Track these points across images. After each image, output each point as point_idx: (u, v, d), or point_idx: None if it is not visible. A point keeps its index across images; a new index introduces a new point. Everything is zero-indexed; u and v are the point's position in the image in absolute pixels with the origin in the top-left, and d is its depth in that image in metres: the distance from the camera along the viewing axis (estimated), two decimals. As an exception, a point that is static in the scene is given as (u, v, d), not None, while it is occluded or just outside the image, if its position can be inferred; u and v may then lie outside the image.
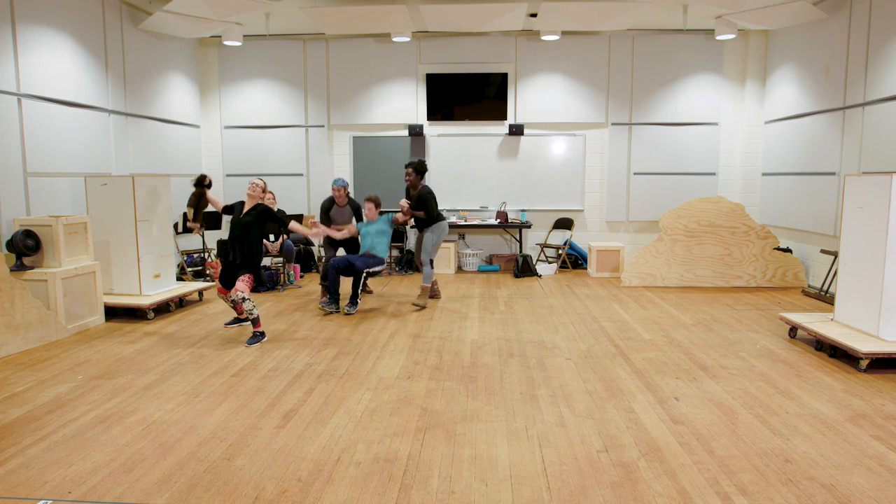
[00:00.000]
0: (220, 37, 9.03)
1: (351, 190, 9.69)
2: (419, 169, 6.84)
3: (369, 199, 6.76)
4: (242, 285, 5.29)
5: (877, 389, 4.13)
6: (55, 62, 6.40)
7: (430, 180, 9.52)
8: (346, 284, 7.45)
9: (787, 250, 7.97)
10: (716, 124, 9.16)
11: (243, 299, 5.24)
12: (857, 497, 2.76)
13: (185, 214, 7.63)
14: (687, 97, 9.15)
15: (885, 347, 4.47)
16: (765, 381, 4.29)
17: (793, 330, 5.46)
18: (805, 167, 7.86)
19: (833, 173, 7.25)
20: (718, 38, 8.18)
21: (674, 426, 3.52)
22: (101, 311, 6.03)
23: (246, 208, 5.49)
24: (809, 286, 7.74)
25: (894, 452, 3.19)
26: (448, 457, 3.15)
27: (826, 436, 3.40)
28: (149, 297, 6.31)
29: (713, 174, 9.22)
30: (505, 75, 9.25)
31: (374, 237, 6.66)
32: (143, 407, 3.83)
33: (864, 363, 4.48)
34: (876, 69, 6.51)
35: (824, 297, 7.02)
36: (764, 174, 8.98)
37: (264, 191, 5.56)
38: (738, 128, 9.20)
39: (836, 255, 6.78)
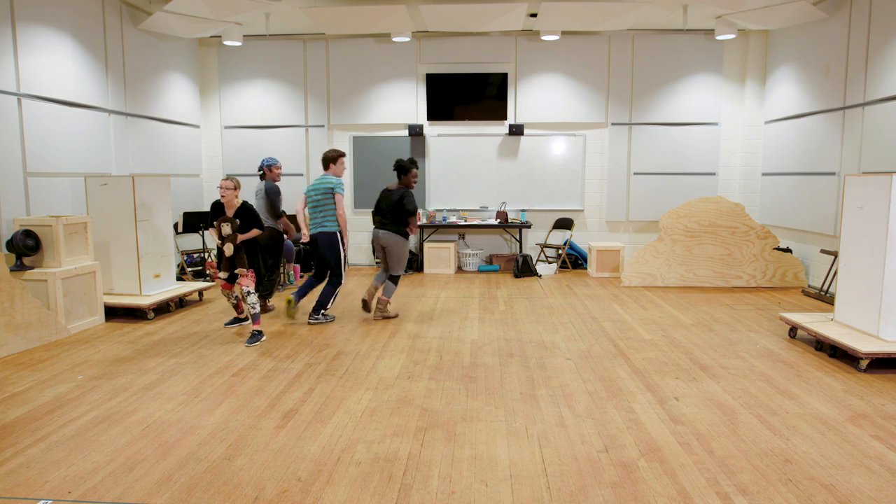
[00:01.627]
0: (220, 37, 9.04)
1: (352, 191, 9.69)
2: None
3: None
4: (247, 280, 5.34)
5: (877, 389, 4.13)
6: (55, 62, 6.39)
7: (430, 180, 9.52)
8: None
9: (787, 250, 7.97)
10: (716, 124, 9.16)
11: (248, 293, 5.29)
12: (856, 497, 2.75)
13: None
14: (687, 97, 9.15)
15: (885, 347, 4.47)
16: (765, 381, 4.29)
17: (793, 330, 5.45)
18: (805, 167, 7.86)
19: (833, 173, 7.25)
20: (718, 38, 8.18)
21: (674, 426, 3.52)
22: (101, 311, 6.03)
23: (229, 212, 5.47)
24: (809, 286, 7.74)
25: (894, 452, 3.19)
26: (448, 457, 3.15)
27: (826, 436, 3.40)
28: (149, 297, 6.30)
29: (713, 174, 9.22)
30: (505, 75, 9.25)
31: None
32: (143, 407, 3.83)
33: (864, 363, 4.48)
34: (876, 69, 6.51)
35: (824, 297, 7.02)
36: (764, 174, 8.98)
37: (236, 188, 5.47)
38: (738, 128, 9.20)
39: (836, 255, 6.78)
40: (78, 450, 3.23)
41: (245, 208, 5.49)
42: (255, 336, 5.31)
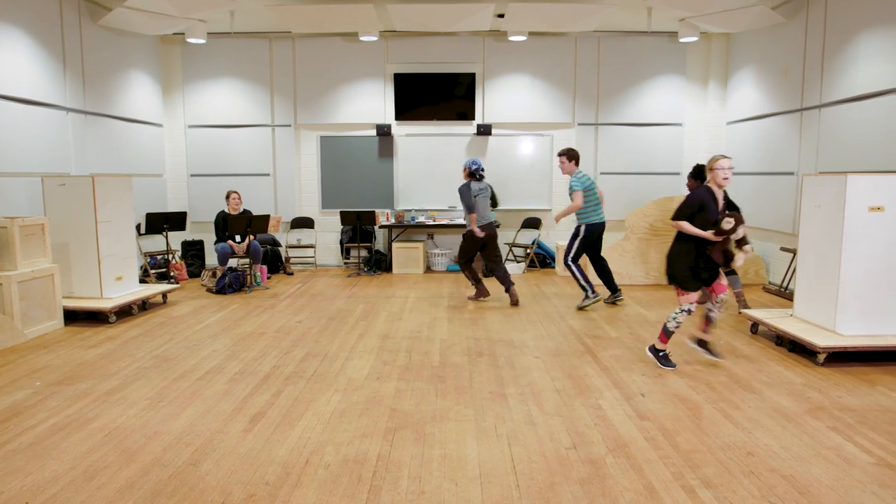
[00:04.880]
0: (183, 34, 8.86)
1: (319, 191, 9.60)
2: (697, 174, 6.50)
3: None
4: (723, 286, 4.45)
5: (834, 382, 4.27)
6: (9, 59, 6.19)
7: (399, 180, 9.50)
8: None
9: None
10: (679, 125, 9.34)
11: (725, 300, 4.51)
12: (815, 487, 2.84)
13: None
14: (652, 98, 9.30)
15: (842, 342, 4.62)
16: (727, 377, 4.39)
17: (754, 326, 5.59)
18: (765, 167, 8.06)
19: (792, 173, 7.45)
20: (682, 40, 8.34)
21: (640, 422, 3.58)
22: (61, 315, 5.86)
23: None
24: (770, 283, 7.94)
25: (850, 443, 3.30)
26: (418, 457, 3.14)
27: (786, 428, 3.49)
28: (110, 300, 6.15)
29: (677, 174, 9.39)
30: (473, 75, 9.27)
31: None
32: (104, 413, 3.74)
33: (821, 357, 4.62)
34: (831, 72, 6.72)
35: (784, 294, 7.21)
36: (726, 174, 9.17)
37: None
38: (701, 128, 9.39)
39: (794, 252, 6.96)
40: (36, 458, 3.14)
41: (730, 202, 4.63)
42: (661, 358, 4.58)
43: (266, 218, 8.00)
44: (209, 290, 7.70)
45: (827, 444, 3.29)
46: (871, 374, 4.43)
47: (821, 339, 4.65)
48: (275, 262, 9.13)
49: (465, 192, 6.68)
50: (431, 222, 9.19)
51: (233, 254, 7.93)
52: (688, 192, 6.74)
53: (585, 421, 3.59)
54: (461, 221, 9.15)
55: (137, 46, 8.47)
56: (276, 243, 9.22)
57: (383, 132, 9.28)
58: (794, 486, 2.85)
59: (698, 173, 6.53)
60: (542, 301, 7.05)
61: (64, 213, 6.13)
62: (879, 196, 4.65)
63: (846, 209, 4.66)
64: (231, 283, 7.60)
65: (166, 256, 8.39)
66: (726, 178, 4.31)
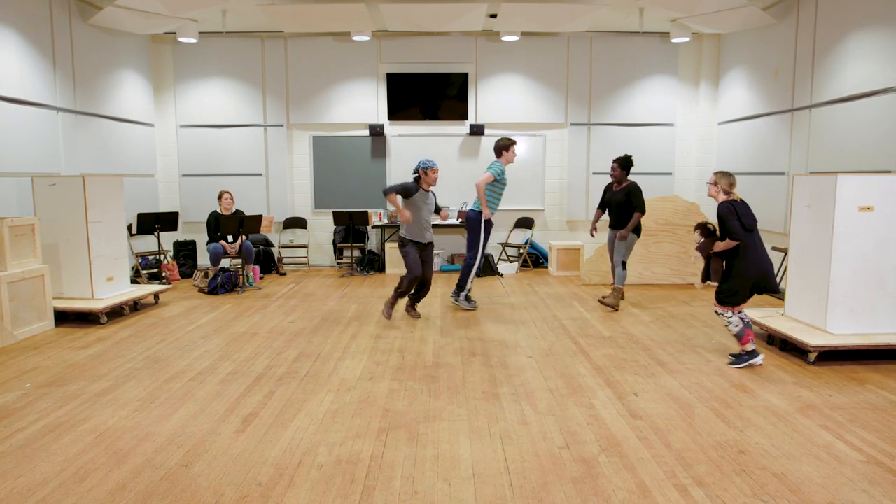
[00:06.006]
0: (174, 33, 8.82)
1: (312, 191, 9.58)
2: (625, 164, 6.64)
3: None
4: (719, 307, 4.61)
5: (824, 381, 4.29)
6: (-1, 58, 6.15)
7: (391, 180, 9.49)
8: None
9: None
10: (671, 125, 9.37)
11: (718, 314, 4.64)
12: (806, 484, 2.86)
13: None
14: (644, 98, 9.33)
15: (832, 341, 4.65)
16: (720, 375, 4.41)
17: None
18: (756, 167, 8.10)
19: (783, 173, 7.49)
20: (673, 40, 8.37)
21: (633, 421, 3.59)
22: (51, 315, 5.82)
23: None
24: (761, 282, 7.97)
25: (841, 441, 3.32)
26: (411, 457, 3.14)
27: (777, 427, 3.51)
28: (101, 300, 6.11)
29: (669, 174, 9.43)
30: (465, 75, 9.28)
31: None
32: (95, 414, 3.72)
33: (812, 356, 4.65)
34: (821, 73, 6.76)
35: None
36: (717, 174, 9.22)
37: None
38: (692, 128, 9.43)
39: (786, 252, 7.00)
40: (26, 460, 3.11)
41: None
42: (739, 357, 4.63)
43: (258, 218, 7.97)
44: (201, 290, 7.67)
45: (818, 442, 3.31)
46: (860, 373, 4.46)
47: (812, 338, 4.68)
48: (267, 263, 9.10)
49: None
50: (424, 222, 9.17)
51: (225, 254, 7.90)
52: (609, 181, 6.90)
53: (578, 420, 3.60)
54: (454, 221, 9.16)
55: (128, 46, 8.43)
56: (268, 243, 9.19)
57: (376, 132, 9.27)
58: (786, 483, 2.87)
59: (625, 164, 6.65)
60: (534, 301, 7.06)
61: (54, 213, 6.08)
62: (869, 196, 4.69)
63: (836, 209, 4.69)
64: (223, 284, 7.57)
65: (158, 257, 8.35)
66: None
